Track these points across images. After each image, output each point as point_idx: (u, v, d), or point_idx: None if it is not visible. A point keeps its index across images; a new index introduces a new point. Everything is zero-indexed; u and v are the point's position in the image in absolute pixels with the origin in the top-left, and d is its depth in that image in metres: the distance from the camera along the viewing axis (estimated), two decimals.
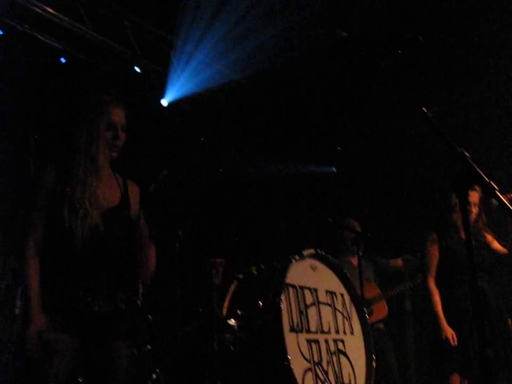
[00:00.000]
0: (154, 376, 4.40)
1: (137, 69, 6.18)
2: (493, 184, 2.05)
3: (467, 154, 2.08)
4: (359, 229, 5.65)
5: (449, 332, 4.16)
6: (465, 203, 2.13)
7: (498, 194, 2.06)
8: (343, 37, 2.43)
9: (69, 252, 2.64)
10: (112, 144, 2.82)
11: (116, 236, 2.76)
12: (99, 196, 2.73)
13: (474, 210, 4.32)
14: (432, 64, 5.94)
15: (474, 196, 4.29)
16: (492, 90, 6.61)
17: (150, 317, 4.81)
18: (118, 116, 2.85)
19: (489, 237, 4.41)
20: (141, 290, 4.99)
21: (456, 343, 4.14)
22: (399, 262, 5.88)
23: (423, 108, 2.23)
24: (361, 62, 2.41)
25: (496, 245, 4.39)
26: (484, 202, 4.38)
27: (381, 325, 5.66)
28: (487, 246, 4.38)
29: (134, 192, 2.96)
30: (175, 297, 5.10)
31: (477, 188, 4.27)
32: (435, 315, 4.28)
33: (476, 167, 2.05)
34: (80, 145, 2.77)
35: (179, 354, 4.72)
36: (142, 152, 5.65)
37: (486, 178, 2.05)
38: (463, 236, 4.41)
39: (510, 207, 2.05)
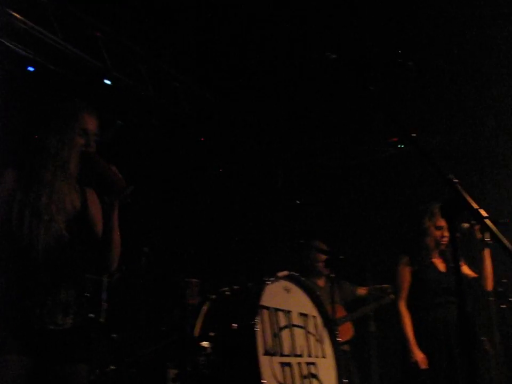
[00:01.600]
0: None
1: (107, 81, 6.08)
2: (482, 212, 2.05)
3: (456, 181, 2.08)
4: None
5: (420, 355, 4.17)
6: (454, 230, 2.13)
7: (487, 222, 2.05)
8: (332, 59, 2.42)
9: (27, 263, 2.46)
10: (83, 152, 2.69)
11: (80, 244, 2.64)
12: (66, 203, 2.60)
13: (446, 234, 4.37)
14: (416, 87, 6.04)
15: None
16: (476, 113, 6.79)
17: (114, 335, 4.68)
18: (92, 124, 2.73)
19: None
20: (105, 307, 4.87)
21: (426, 366, 4.14)
22: (364, 291, 5.92)
23: (413, 133, 2.22)
24: (349, 84, 2.40)
25: (466, 270, 4.43)
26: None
27: (346, 347, 5.65)
28: None
29: (94, 202, 2.78)
30: (141, 316, 5.00)
31: None
32: (405, 338, 4.28)
33: (465, 194, 2.05)
34: (50, 149, 2.62)
35: (143, 375, 4.60)
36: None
37: (475, 206, 2.04)
38: (434, 260, 4.46)
39: (499, 234, 2.05)
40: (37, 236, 2.47)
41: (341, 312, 5.64)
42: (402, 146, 7.19)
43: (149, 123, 6.85)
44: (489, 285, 4.35)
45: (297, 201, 5.02)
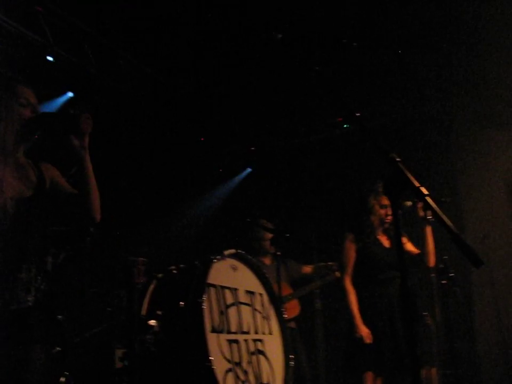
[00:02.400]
0: (63, 379, 4.23)
1: (49, 58, 5.92)
2: (423, 190, 2.10)
3: (398, 159, 2.13)
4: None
5: (365, 330, 4.27)
6: (396, 207, 2.18)
7: (428, 199, 2.11)
8: (278, 39, 2.43)
9: None
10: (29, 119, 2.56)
11: (31, 225, 2.53)
12: (9, 183, 2.48)
13: (390, 212, 4.47)
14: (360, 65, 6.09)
15: None
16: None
17: (59, 317, 4.62)
18: (31, 96, 2.63)
19: (403, 239, 4.55)
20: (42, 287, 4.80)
21: (370, 341, 4.25)
22: (310, 269, 6.00)
23: (356, 113, 2.26)
24: (295, 64, 2.42)
25: (409, 246, 4.56)
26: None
27: (293, 324, 5.74)
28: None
29: (51, 173, 2.70)
30: (86, 296, 4.94)
31: None
32: (350, 313, 4.38)
33: (407, 172, 2.10)
34: None
35: (90, 356, 4.57)
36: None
37: (416, 183, 2.10)
38: (378, 237, 4.57)
39: (439, 212, 2.11)
40: None
41: (287, 290, 5.71)
42: (348, 126, 7.30)
43: (93, 100, 6.73)
44: (432, 261, 4.48)
45: None
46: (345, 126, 7.35)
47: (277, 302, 4.14)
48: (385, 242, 4.58)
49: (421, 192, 2.10)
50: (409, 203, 4.35)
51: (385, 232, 4.62)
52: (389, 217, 4.50)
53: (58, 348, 4.42)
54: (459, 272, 5.57)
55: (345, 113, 2.12)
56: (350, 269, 4.54)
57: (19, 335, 2.45)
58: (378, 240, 4.56)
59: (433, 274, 5.16)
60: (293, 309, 5.78)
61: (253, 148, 8.29)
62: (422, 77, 6.60)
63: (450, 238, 2.04)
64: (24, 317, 2.45)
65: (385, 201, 4.47)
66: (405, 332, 4.16)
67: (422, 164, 6.76)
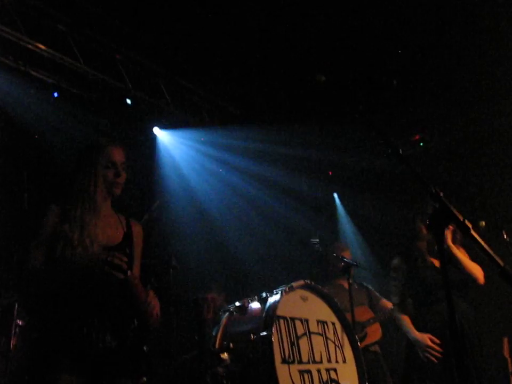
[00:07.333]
0: None
1: (128, 101, 6.28)
2: (467, 223, 2.12)
3: (441, 193, 2.17)
4: (347, 252, 5.74)
5: (425, 337, 4.08)
6: (442, 241, 2.21)
7: (473, 233, 2.13)
8: (322, 81, 2.53)
9: (70, 288, 2.66)
10: (113, 182, 2.90)
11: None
12: (98, 234, 2.78)
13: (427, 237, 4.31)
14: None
15: None
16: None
17: (145, 348, 4.84)
18: (118, 155, 2.94)
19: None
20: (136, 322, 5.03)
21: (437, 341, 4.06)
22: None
23: (400, 150, 2.32)
24: (339, 104, 2.51)
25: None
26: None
27: (377, 347, 5.69)
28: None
29: (137, 231, 3.02)
30: (170, 327, 5.15)
31: None
32: (407, 332, 4.23)
33: (451, 206, 2.13)
34: (77, 185, 2.85)
35: None
36: (134, 183, 5.72)
37: (461, 217, 2.13)
38: (427, 259, 4.37)
39: (484, 244, 2.11)
40: (73, 264, 2.66)
41: (368, 314, 5.68)
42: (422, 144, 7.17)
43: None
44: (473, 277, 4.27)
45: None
46: (421, 144, 7.21)
47: (351, 329, 4.14)
48: (436, 262, 4.34)
49: (466, 226, 2.12)
50: (483, 223, 4.20)
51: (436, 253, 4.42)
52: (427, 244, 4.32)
53: (144, 378, 4.64)
54: None
55: (391, 150, 2.16)
56: (398, 294, 4.41)
57: (107, 371, 2.68)
58: (429, 261, 4.31)
59: None
60: (375, 333, 5.73)
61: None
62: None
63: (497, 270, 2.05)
64: (111, 355, 2.69)
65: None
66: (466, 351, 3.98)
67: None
